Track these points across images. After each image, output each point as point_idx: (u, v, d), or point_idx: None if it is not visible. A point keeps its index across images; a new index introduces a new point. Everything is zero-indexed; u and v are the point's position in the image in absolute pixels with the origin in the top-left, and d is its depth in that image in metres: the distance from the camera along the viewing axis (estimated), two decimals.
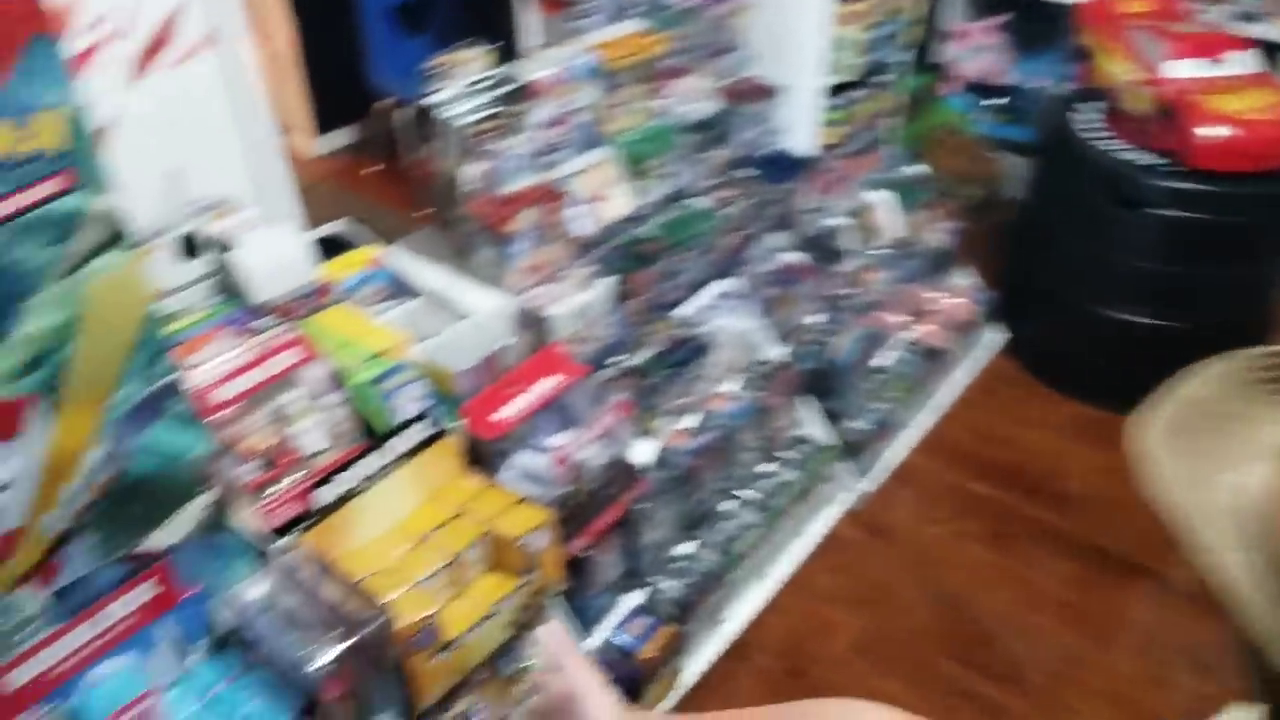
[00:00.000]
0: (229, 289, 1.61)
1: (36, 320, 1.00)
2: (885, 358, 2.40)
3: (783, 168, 2.27)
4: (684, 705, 1.76)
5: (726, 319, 2.02)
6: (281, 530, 1.37)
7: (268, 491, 1.40)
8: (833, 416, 2.19)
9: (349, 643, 1.18)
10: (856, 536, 2.18)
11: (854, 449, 2.20)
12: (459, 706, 1.48)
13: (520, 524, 1.48)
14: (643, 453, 1.83)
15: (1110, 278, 2.53)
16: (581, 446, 1.61)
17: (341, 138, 3.70)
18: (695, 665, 1.78)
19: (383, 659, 1.25)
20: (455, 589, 1.47)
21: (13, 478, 1.02)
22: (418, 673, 1.34)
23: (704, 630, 1.81)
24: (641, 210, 1.98)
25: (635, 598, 1.76)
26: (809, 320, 2.24)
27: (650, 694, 1.67)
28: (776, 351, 2.14)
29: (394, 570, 1.41)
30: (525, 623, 1.50)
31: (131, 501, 1.15)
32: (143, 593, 1.18)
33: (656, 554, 1.82)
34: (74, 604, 1.13)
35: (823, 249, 2.34)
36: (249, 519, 1.37)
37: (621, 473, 1.68)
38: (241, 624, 1.26)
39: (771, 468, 2.04)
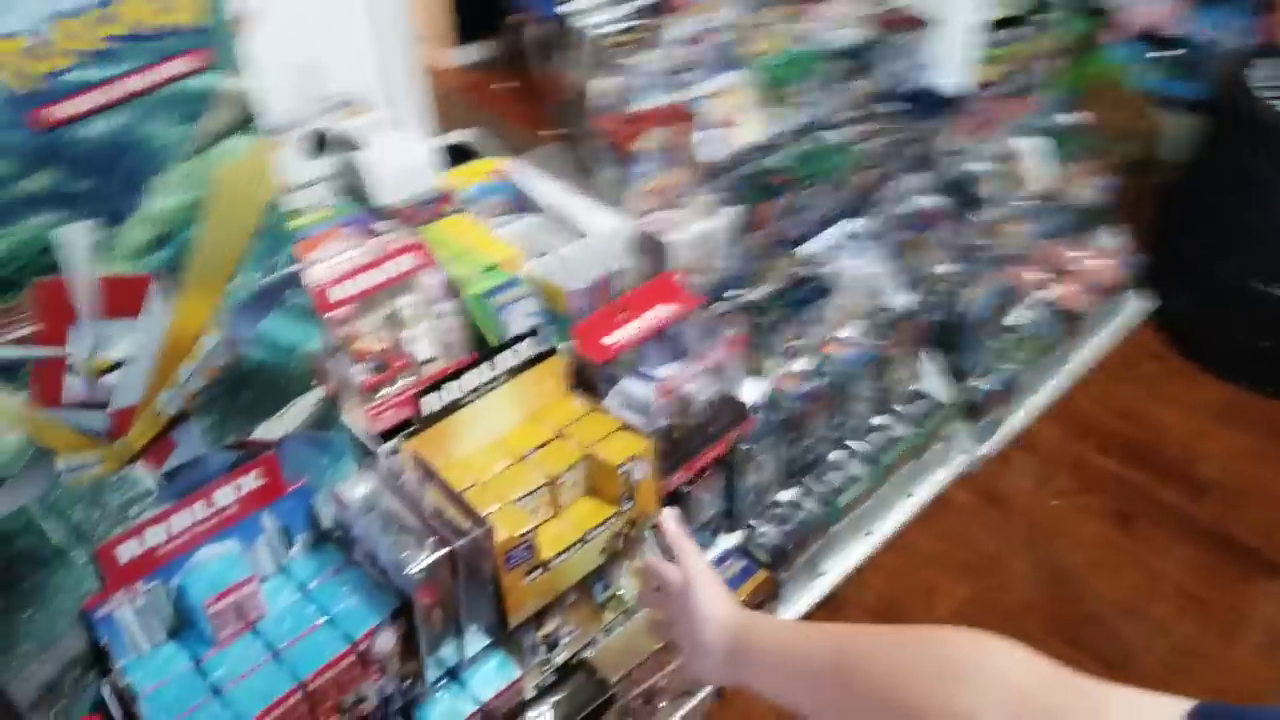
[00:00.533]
0: (353, 189, 1.61)
1: (164, 198, 1.00)
2: (1019, 316, 2.26)
3: (928, 105, 2.14)
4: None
5: (852, 261, 1.93)
6: (388, 434, 1.37)
7: (378, 394, 1.41)
8: (956, 373, 2.09)
9: (446, 550, 1.18)
10: (968, 501, 2.09)
11: (975, 410, 2.10)
12: (548, 627, 1.48)
13: (620, 451, 1.45)
14: (751, 392, 1.78)
15: (1276, 252, 2.32)
16: (689, 379, 1.56)
17: (479, 51, 3.69)
18: (787, 614, 1.73)
19: (478, 571, 1.24)
20: (552, 510, 1.46)
21: (133, 354, 1.03)
22: (511, 589, 1.33)
23: (800, 580, 1.76)
24: (774, 139, 1.89)
25: (732, 539, 1.72)
26: (940, 269, 2.12)
27: None
28: (902, 299, 2.04)
29: (494, 485, 1.40)
30: (618, 551, 1.48)
31: (244, 389, 1.15)
32: (249, 481, 1.20)
33: (757, 497, 1.77)
34: (183, 486, 1.15)
35: (963, 195, 2.20)
36: (357, 420, 1.37)
37: (728, 410, 1.63)
38: (342, 522, 1.27)
39: (885, 421, 1.95)
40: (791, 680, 0.75)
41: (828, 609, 1.81)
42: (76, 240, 0.95)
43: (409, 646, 1.21)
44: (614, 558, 1.52)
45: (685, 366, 1.54)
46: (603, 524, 1.40)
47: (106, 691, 1.14)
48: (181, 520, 1.15)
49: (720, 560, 1.66)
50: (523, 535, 1.29)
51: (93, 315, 0.98)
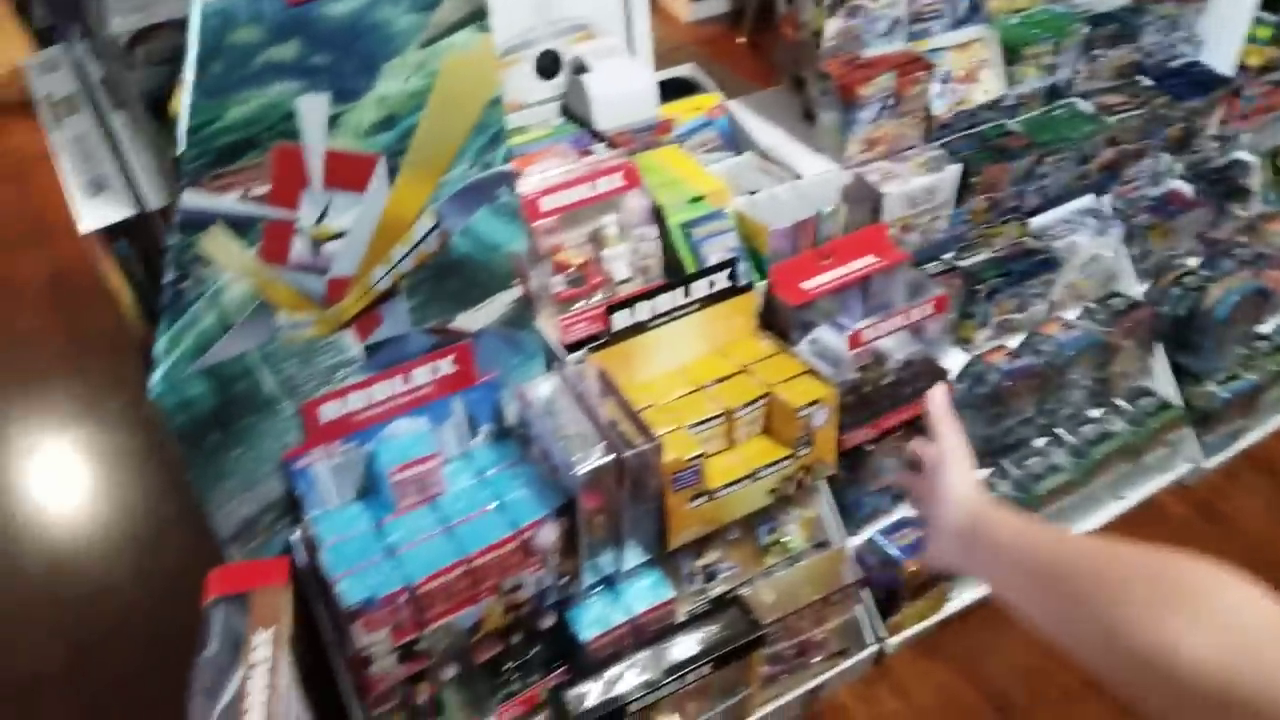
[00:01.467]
0: (575, 112, 1.65)
1: (394, 82, 1.06)
2: (1270, 324, 2.03)
3: (1191, 84, 1.94)
4: (944, 634, 1.65)
5: (1083, 239, 1.78)
6: (576, 346, 1.41)
7: (571, 307, 1.44)
8: (1188, 375, 1.90)
9: (614, 457, 1.20)
10: (1183, 514, 1.91)
11: (1204, 417, 1.90)
12: (708, 558, 1.48)
13: (803, 394, 1.42)
14: (955, 360, 1.69)
15: None
16: (886, 335, 1.51)
17: (714, 6, 3.73)
18: (966, 596, 1.65)
19: (643, 487, 1.26)
20: (726, 443, 1.46)
21: (353, 227, 1.10)
22: (674, 511, 1.34)
23: None
24: (1015, 100, 1.78)
25: (910, 508, 1.65)
26: (1183, 261, 1.93)
27: (907, 611, 1.58)
28: (1135, 288, 1.88)
29: (670, 410, 1.41)
30: (787, 495, 1.46)
31: (449, 277, 1.21)
32: (445, 366, 1.26)
33: None
34: (385, 360, 1.22)
35: (1220, 184, 1.99)
36: (549, 328, 1.42)
37: (925, 373, 1.56)
38: (524, 419, 1.32)
39: (1099, 414, 1.81)
40: (1015, 574, 0.73)
41: None
42: (314, 111, 1.03)
43: (569, 545, 1.25)
44: (783, 502, 1.50)
45: (884, 322, 1.48)
46: (775, 464, 1.38)
47: (295, 538, 1.25)
48: (381, 391, 1.23)
49: (898, 527, 1.60)
50: (691, 459, 1.29)
51: (322, 184, 1.06)
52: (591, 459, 1.20)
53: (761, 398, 1.40)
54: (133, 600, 1.75)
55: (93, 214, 1.01)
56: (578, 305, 1.44)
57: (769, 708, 1.48)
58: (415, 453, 1.23)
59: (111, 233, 1.06)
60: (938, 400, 0.91)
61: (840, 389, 1.46)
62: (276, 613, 1.18)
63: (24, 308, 2.45)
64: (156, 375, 1.06)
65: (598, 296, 1.45)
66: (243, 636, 1.15)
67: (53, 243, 2.66)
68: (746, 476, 1.36)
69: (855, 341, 1.46)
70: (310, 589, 1.24)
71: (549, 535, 1.22)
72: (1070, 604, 0.66)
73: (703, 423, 1.36)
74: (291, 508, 1.25)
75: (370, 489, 1.28)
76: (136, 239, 1.08)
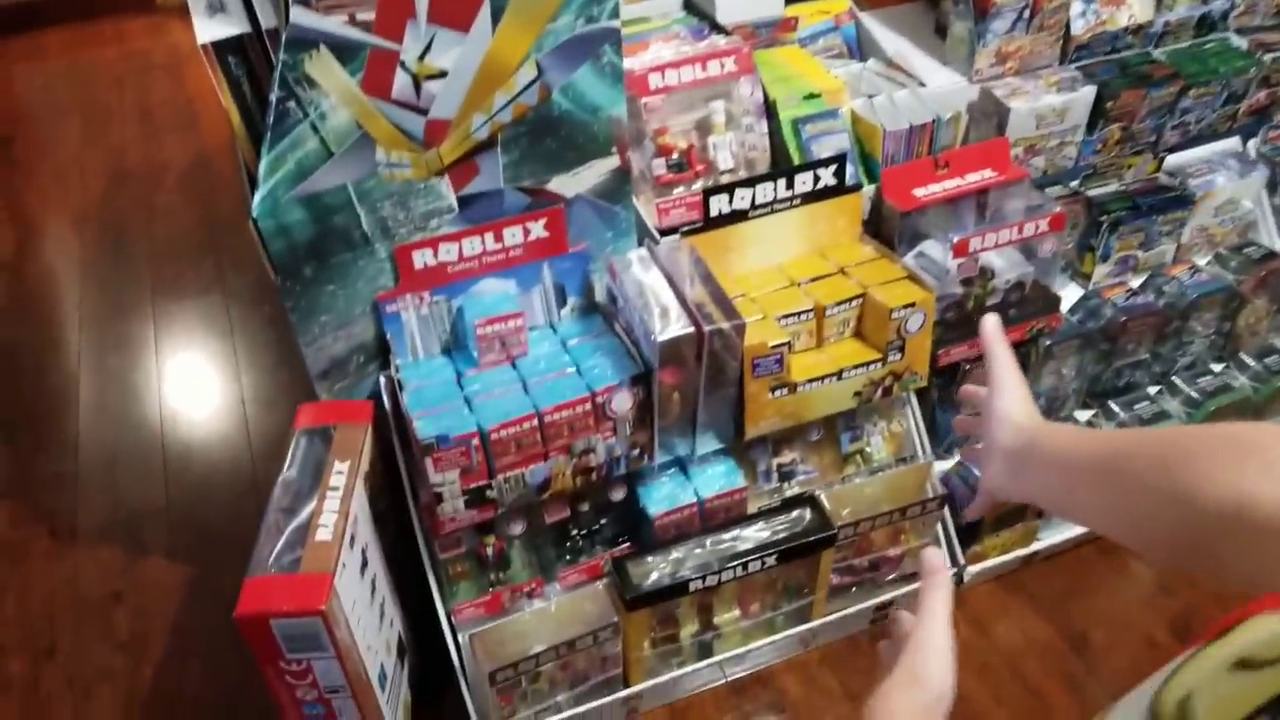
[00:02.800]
0: (697, 5, 1.63)
1: None
2: None
3: None
4: (1026, 572, 1.59)
5: (1222, 180, 1.67)
6: (670, 231, 1.40)
7: (671, 192, 1.43)
8: None
9: (695, 328, 1.19)
10: None
11: None
12: (785, 456, 1.46)
13: (900, 297, 1.38)
14: (1069, 290, 1.61)
15: None
16: (995, 248, 1.45)
17: None
18: (1056, 537, 1.58)
19: (723, 368, 1.24)
20: (814, 341, 1.43)
21: (454, 67, 1.12)
22: (753, 398, 1.32)
23: None
24: (1160, 27, 1.67)
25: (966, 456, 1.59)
26: None
27: (990, 542, 1.52)
28: (1275, 240, 1.75)
29: (760, 301, 1.39)
30: (873, 401, 1.42)
31: (548, 135, 1.22)
32: (537, 229, 1.27)
33: (1048, 405, 1.62)
34: (478, 214, 1.24)
35: None
36: (646, 210, 1.41)
37: (1036, 297, 1.49)
38: (612, 293, 1.32)
39: (1220, 369, 1.70)
40: (1074, 476, 0.72)
41: (1102, 545, 1.63)
42: None
43: (644, 418, 1.25)
44: (868, 408, 1.46)
45: (994, 232, 1.42)
46: (863, 366, 1.35)
47: (383, 381, 1.28)
48: (472, 245, 1.25)
49: None
50: (775, 346, 1.27)
51: (426, 18, 1.08)
52: (672, 328, 1.19)
53: (855, 297, 1.36)
54: (240, 454, 1.84)
55: (209, 29, 1.05)
56: (677, 191, 1.43)
57: (833, 616, 1.45)
58: (501, 309, 1.25)
59: (225, 52, 1.11)
60: (990, 327, 0.88)
61: (941, 302, 1.41)
62: (356, 448, 1.23)
63: (165, 187, 2.60)
64: (258, 196, 1.10)
65: (699, 185, 1.43)
66: (323, 465, 1.20)
67: (198, 130, 2.80)
68: (831, 374, 1.33)
69: (961, 250, 1.40)
70: (392, 433, 1.28)
71: (623, 402, 1.22)
72: (1136, 484, 0.65)
73: (793, 315, 1.33)
74: (380, 352, 1.29)
75: (456, 345, 1.30)
76: (248, 59, 1.12)
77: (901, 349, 1.36)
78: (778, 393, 1.31)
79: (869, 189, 1.47)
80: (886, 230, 1.48)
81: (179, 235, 2.41)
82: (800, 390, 1.32)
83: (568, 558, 1.34)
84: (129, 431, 1.91)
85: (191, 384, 2.04)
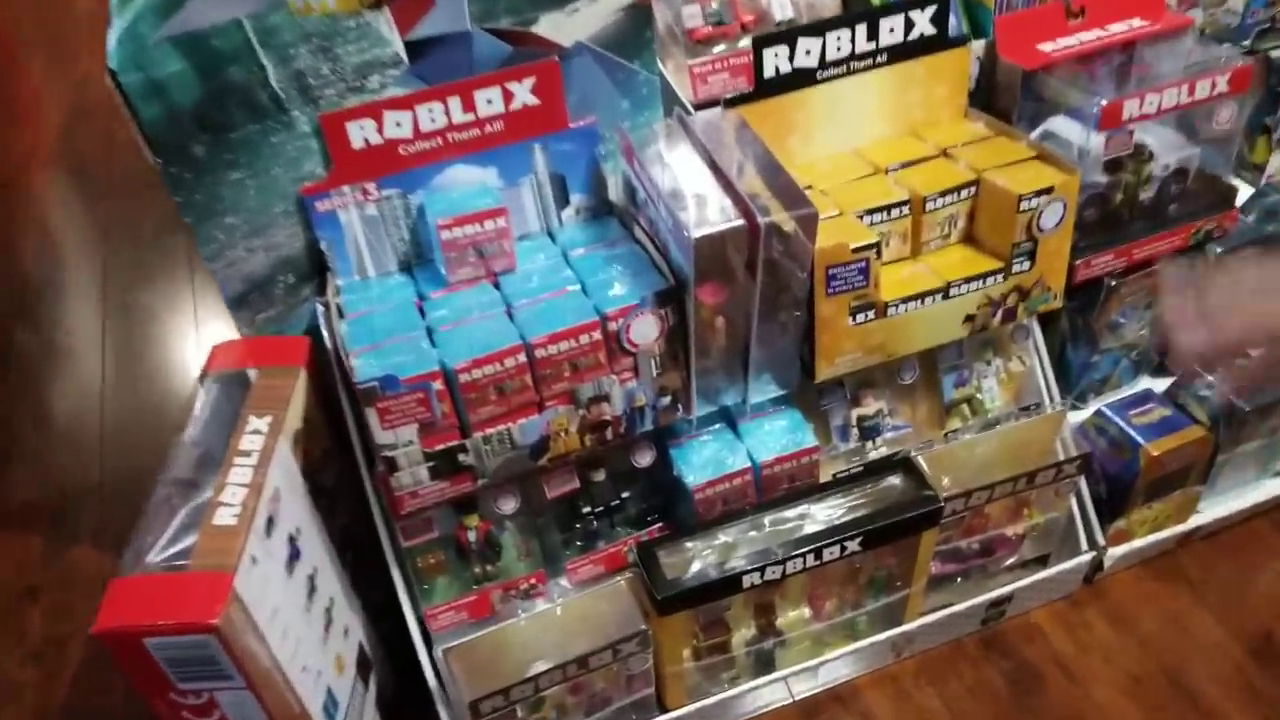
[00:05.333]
0: None
1: None
2: None
3: None
4: (1184, 555, 1.22)
5: None
6: (710, 105, 1.04)
7: (710, 50, 1.07)
8: None
9: (745, 221, 0.83)
10: None
11: None
12: (868, 406, 1.10)
13: (1029, 181, 1.01)
14: (1244, 183, 1.22)
15: None
16: (1151, 126, 1.07)
17: None
18: (1219, 508, 1.21)
19: (786, 280, 0.88)
20: (908, 248, 1.07)
21: None
22: (828, 324, 0.96)
23: (1246, 467, 1.22)
24: None
25: (1159, 382, 1.21)
26: None
27: (1138, 516, 1.15)
28: None
29: (835, 194, 1.03)
30: (990, 328, 1.04)
31: None
32: (522, 92, 0.92)
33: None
34: (436, 69, 0.89)
35: None
36: (677, 77, 1.05)
37: (1203, 189, 1.12)
38: (630, 183, 0.97)
39: None
40: None
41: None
42: None
43: (676, 353, 0.90)
44: (979, 341, 1.10)
45: (1155, 93, 1.03)
46: (978, 278, 0.98)
47: (320, 310, 0.94)
48: (432, 116, 0.90)
49: (1139, 402, 1.16)
50: (858, 250, 0.91)
51: None
52: (714, 222, 0.83)
53: (967, 185, 0.99)
54: None
55: None
56: (718, 49, 1.06)
57: (933, 617, 1.10)
58: (475, 205, 0.91)
59: None
60: None
61: (1080, 195, 1.03)
62: (282, 399, 0.89)
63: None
64: (113, 35, 0.77)
65: (746, 42, 1.07)
66: (234, 423, 0.87)
67: None
68: (936, 290, 0.97)
69: (1110, 118, 1.02)
70: (336, 380, 0.94)
71: (646, 331, 0.87)
72: None
73: (881, 209, 0.97)
74: (316, 269, 0.95)
75: (418, 258, 0.96)
76: None
77: (1032, 255, 0.99)
78: (861, 317, 0.95)
79: (977, 45, 1.10)
80: (1001, 101, 1.10)
81: (137, 172, 2.10)
82: (892, 313, 0.96)
83: (579, 544, 1.00)
84: (63, 394, 1.61)
85: (141, 337, 1.72)
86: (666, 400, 0.92)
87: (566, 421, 0.88)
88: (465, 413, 0.85)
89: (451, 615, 0.97)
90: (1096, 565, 1.17)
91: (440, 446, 0.85)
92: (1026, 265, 0.99)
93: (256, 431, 0.85)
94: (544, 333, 0.84)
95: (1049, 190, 0.96)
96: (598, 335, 0.85)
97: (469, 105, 0.90)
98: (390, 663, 1.07)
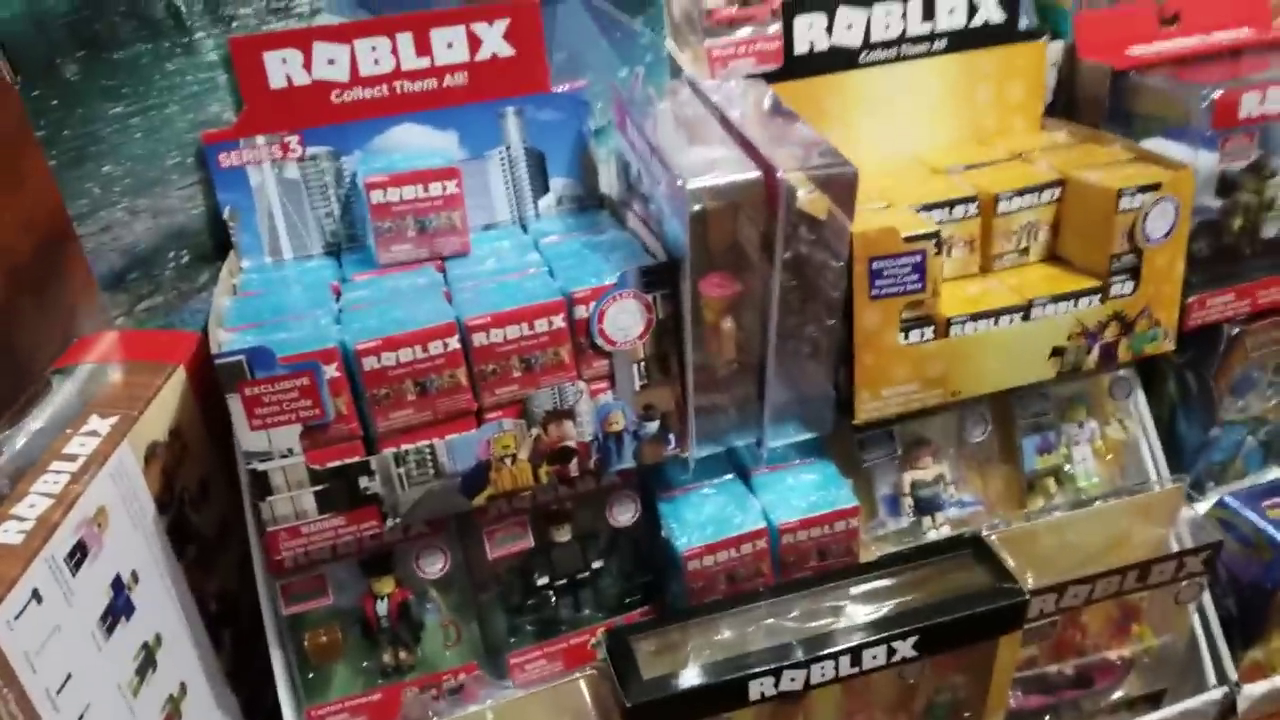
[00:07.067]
0: None
1: None
2: None
3: None
4: None
5: None
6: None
7: (733, 33, 0.89)
8: None
9: (767, 175, 0.62)
10: None
11: None
12: (924, 471, 0.84)
13: (1129, 177, 0.80)
14: None
15: None
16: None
17: None
18: None
19: (817, 274, 0.67)
20: (976, 262, 0.85)
21: None
22: (869, 340, 0.72)
23: None
24: None
25: None
26: None
27: (1275, 645, 0.87)
28: None
29: (888, 190, 0.82)
30: (1080, 368, 0.79)
31: None
32: (490, 39, 0.74)
33: None
34: (376, 1, 0.71)
35: None
36: (695, 63, 0.87)
37: None
38: (624, 162, 0.77)
39: None
40: None
41: None
42: None
43: (665, 360, 0.67)
44: (1075, 391, 0.86)
45: (1272, 99, 0.83)
46: (1068, 298, 0.75)
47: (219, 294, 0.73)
48: (375, 57, 0.71)
49: (1270, 493, 0.90)
50: (911, 239, 0.69)
51: None
52: (719, 172, 0.63)
53: (1050, 185, 0.78)
54: None
55: None
56: (739, 33, 0.89)
57: None
58: (420, 164, 0.71)
59: None
60: None
61: (1190, 223, 0.81)
62: (138, 396, 0.67)
63: None
64: None
65: (775, 26, 0.89)
66: (69, 422, 0.65)
67: None
68: (1014, 309, 0.74)
69: (1225, 113, 0.81)
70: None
71: (626, 320, 0.65)
72: None
73: (939, 206, 0.76)
74: (219, 246, 0.75)
75: (351, 241, 0.76)
76: None
77: (1135, 273, 0.76)
78: (915, 335, 0.72)
79: (1054, 46, 0.91)
80: (1084, 114, 0.91)
81: None
82: (956, 333, 0.73)
83: (529, 629, 0.75)
84: None
85: None
86: (653, 427, 0.68)
87: (514, 443, 0.65)
88: (371, 417, 0.62)
89: (344, 719, 0.70)
90: (1228, 708, 0.88)
91: (334, 464, 0.62)
92: (1129, 287, 0.77)
93: (92, 433, 0.63)
94: (484, 311, 0.62)
95: (1155, 187, 0.74)
96: (560, 322, 0.63)
97: (424, 47, 0.72)
98: None
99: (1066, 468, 0.86)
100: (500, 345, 0.63)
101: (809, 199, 0.63)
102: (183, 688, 0.68)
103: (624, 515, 0.75)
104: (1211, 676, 0.87)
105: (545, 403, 0.65)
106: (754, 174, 0.62)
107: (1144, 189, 0.74)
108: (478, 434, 0.64)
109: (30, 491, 0.58)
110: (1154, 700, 0.87)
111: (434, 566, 0.71)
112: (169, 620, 0.68)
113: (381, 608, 0.70)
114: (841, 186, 0.64)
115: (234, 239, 0.73)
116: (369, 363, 0.60)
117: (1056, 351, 0.77)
